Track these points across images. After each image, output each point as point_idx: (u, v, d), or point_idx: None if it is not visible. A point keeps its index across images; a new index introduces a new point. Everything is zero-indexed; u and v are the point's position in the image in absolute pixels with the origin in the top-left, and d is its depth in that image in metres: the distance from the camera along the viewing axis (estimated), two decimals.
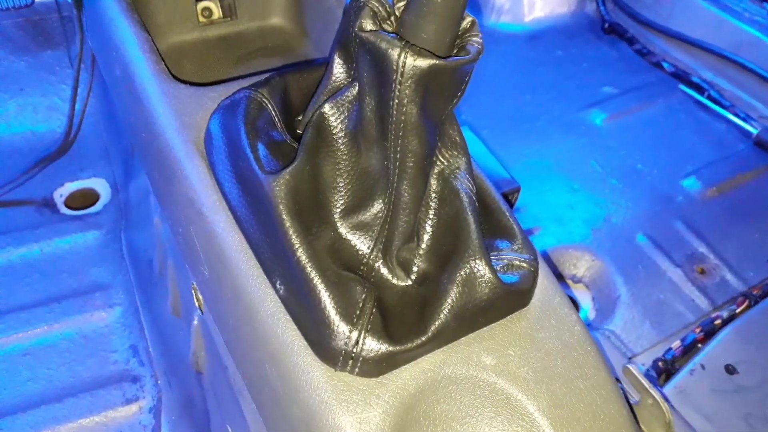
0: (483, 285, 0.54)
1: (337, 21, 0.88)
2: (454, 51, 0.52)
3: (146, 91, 0.72)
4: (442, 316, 0.54)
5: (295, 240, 0.54)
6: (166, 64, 0.75)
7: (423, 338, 0.53)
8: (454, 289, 0.54)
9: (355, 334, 0.52)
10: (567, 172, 1.38)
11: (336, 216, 0.58)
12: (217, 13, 0.96)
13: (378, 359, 0.52)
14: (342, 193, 0.58)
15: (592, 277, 1.22)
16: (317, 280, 0.53)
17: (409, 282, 0.58)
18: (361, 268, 0.57)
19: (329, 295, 0.52)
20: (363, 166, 0.57)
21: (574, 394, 0.57)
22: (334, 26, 0.91)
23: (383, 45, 0.49)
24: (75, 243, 1.19)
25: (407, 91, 0.49)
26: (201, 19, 0.94)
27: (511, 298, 0.57)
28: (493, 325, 0.58)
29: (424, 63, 0.48)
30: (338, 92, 0.58)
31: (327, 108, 0.57)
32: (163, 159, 0.69)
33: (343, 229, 0.58)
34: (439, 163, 0.59)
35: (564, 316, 0.61)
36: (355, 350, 0.51)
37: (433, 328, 0.54)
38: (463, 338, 0.57)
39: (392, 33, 0.51)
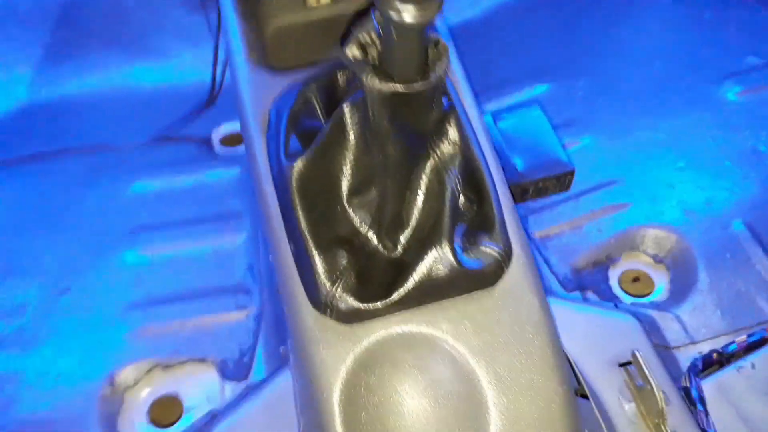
0: (444, 266, 0.65)
1: None
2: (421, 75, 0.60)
3: (236, 75, 0.88)
4: (405, 285, 0.65)
5: (300, 213, 0.68)
6: (268, 48, 0.90)
7: (387, 301, 0.65)
8: (421, 266, 0.65)
9: (332, 290, 0.65)
10: (678, 148, 1.33)
11: (342, 196, 0.70)
12: None
13: (347, 312, 0.65)
14: (348, 179, 0.69)
15: (675, 259, 1.20)
16: (311, 245, 0.67)
17: (394, 255, 0.69)
18: (358, 238, 0.70)
19: (319, 258, 0.66)
20: (366, 159, 0.68)
21: (515, 368, 0.66)
22: None
23: (356, 69, 0.59)
24: (221, 176, 1.44)
25: (376, 108, 0.59)
26: (311, 2, 1.07)
27: (471, 279, 0.66)
28: (458, 297, 0.68)
29: (384, 87, 0.57)
30: (357, 92, 0.70)
31: (345, 106, 0.69)
32: (245, 134, 0.86)
33: (346, 206, 0.70)
34: (434, 158, 0.68)
35: (527, 301, 0.68)
36: (332, 302, 0.65)
37: (396, 295, 0.65)
38: (430, 305, 0.67)
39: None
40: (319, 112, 0.77)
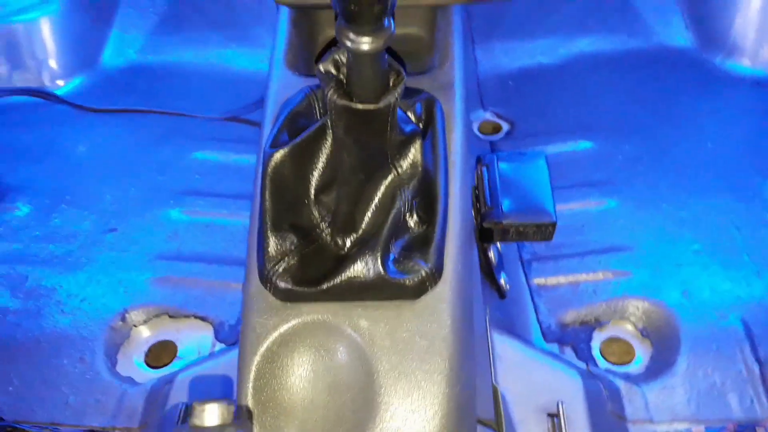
0: (371, 270, 0.72)
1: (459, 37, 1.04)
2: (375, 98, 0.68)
3: (270, 72, 0.99)
4: (335, 279, 0.73)
5: (267, 196, 0.77)
6: (311, 55, 1.00)
7: (316, 288, 0.73)
8: (352, 266, 0.73)
9: (274, 268, 0.74)
10: (699, 230, 1.31)
11: (310, 191, 0.79)
12: None
13: (283, 290, 0.73)
14: (318, 177, 0.78)
15: (661, 336, 1.19)
16: (267, 226, 0.76)
17: (340, 253, 0.77)
18: (316, 231, 0.79)
19: (271, 238, 0.75)
20: (335, 161, 0.77)
21: (412, 377, 0.72)
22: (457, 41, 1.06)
23: (323, 81, 0.68)
24: None
25: (333, 118, 0.68)
26: None
27: (394, 287, 0.73)
28: (383, 302, 0.74)
29: (339, 101, 0.66)
30: None
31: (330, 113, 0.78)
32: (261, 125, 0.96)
33: (312, 200, 0.79)
34: (394, 174, 0.76)
35: (442, 321, 0.74)
36: (272, 278, 0.74)
37: (325, 285, 0.73)
38: (356, 302, 0.75)
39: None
40: (317, 115, 0.86)
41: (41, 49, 1.83)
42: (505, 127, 1.66)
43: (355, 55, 0.62)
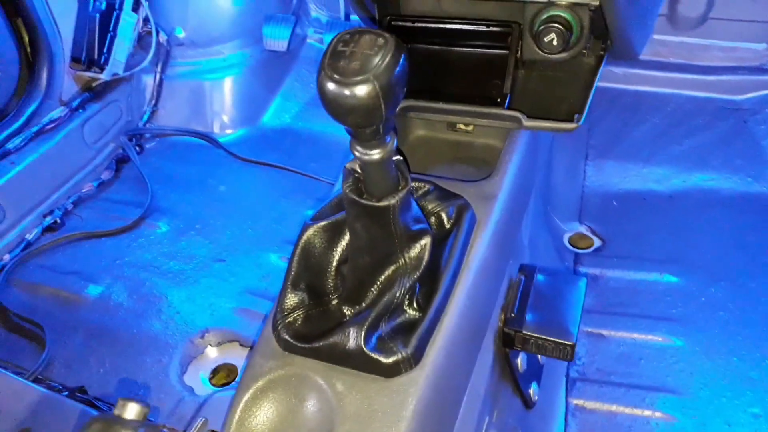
0: (353, 342, 0.80)
1: None
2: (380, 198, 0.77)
3: None
4: (323, 342, 0.81)
5: (294, 259, 0.89)
6: None
7: (306, 345, 0.82)
8: (339, 334, 0.81)
9: (281, 320, 0.85)
10: (765, 394, 1.18)
11: (332, 262, 0.89)
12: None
13: (284, 340, 0.83)
14: (340, 251, 0.88)
15: None
16: (288, 284, 0.87)
17: (344, 320, 0.86)
18: (329, 296, 0.88)
19: (286, 293, 0.86)
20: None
21: None
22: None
23: (344, 176, 0.79)
24: None
25: (346, 206, 0.79)
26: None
27: (370, 363, 0.79)
28: (363, 372, 0.81)
29: (350, 194, 0.76)
30: None
31: None
32: None
33: (332, 270, 0.89)
34: (397, 263, 0.84)
35: (405, 404, 0.79)
36: (278, 328, 0.84)
37: (315, 344, 0.82)
38: (341, 366, 0.82)
39: None
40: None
41: (219, 103, 2.16)
42: (597, 243, 1.64)
43: (362, 162, 0.72)
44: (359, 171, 0.78)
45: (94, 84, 1.97)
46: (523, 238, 1.26)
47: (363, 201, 0.76)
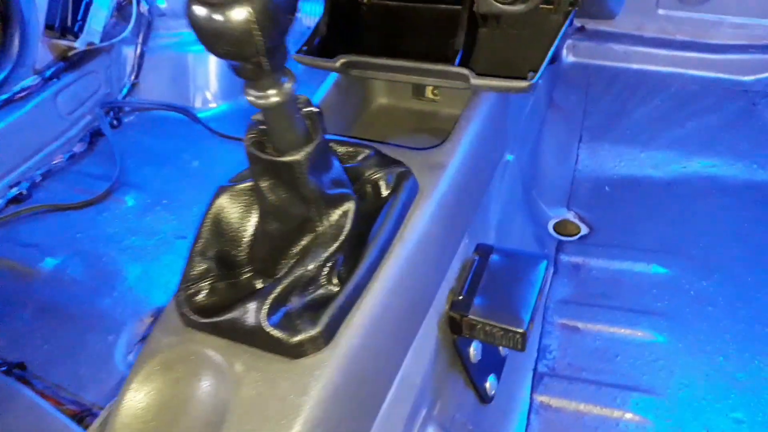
0: (252, 318, 0.71)
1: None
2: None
3: None
4: (220, 317, 0.73)
5: (205, 223, 0.80)
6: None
7: (204, 320, 0.73)
8: (238, 309, 0.72)
9: (182, 292, 0.76)
10: (750, 398, 1.06)
11: (247, 230, 0.81)
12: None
13: (183, 313, 0.75)
14: (255, 220, 0.80)
15: None
16: (194, 252, 0.79)
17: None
18: (239, 269, 0.80)
19: (191, 263, 0.78)
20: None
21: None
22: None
23: (247, 130, 0.70)
24: None
25: (250, 164, 0.70)
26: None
27: (271, 341, 0.70)
28: (268, 352, 0.72)
29: (249, 148, 0.68)
30: None
31: None
32: None
33: (246, 241, 0.80)
34: (311, 231, 0.74)
35: (305, 390, 0.69)
36: (178, 300, 0.76)
37: (216, 319, 0.73)
38: (241, 344, 0.74)
39: None
40: None
41: (203, 77, 2.09)
42: (584, 230, 1.53)
43: (262, 109, 0.64)
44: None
45: (70, 53, 1.91)
46: (489, 217, 1.16)
47: (262, 155, 0.67)
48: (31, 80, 1.82)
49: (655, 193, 1.56)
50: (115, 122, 2.00)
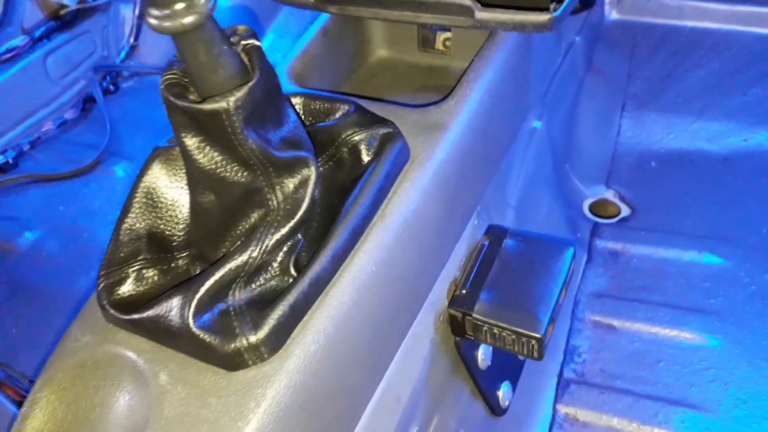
0: (177, 317, 0.55)
1: None
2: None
3: None
4: (144, 314, 0.58)
5: (135, 193, 0.64)
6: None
7: (123, 316, 0.59)
8: (162, 304, 0.57)
9: (103, 280, 0.61)
10: None
11: (184, 205, 0.66)
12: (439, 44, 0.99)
13: (103, 306, 0.60)
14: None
15: None
16: (119, 229, 0.63)
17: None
18: (175, 253, 0.65)
19: (116, 243, 0.63)
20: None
21: None
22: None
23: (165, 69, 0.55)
24: None
25: (168, 115, 0.55)
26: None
27: (201, 347, 0.55)
28: (199, 361, 0.57)
29: (163, 91, 0.52)
30: None
31: None
32: None
33: (184, 217, 0.65)
34: (258, 207, 0.58)
35: (242, 414, 0.54)
36: (98, 290, 0.61)
37: (137, 316, 0.58)
38: (170, 351, 0.59)
39: None
40: None
41: None
42: (625, 211, 1.33)
43: (171, 36, 0.48)
44: None
45: (62, 12, 1.77)
46: (507, 194, 0.98)
47: (178, 101, 0.51)
48: (19, 40, 1.69)
49: (709, 169, 1.35)
50: (111, 87, 1.86)
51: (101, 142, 1.66)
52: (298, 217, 0.57)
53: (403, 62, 1.02)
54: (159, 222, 0.64)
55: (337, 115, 0.71)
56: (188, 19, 0.45)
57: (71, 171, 1.58)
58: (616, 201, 1.36)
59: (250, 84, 0.51)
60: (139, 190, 0.64)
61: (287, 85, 0.85)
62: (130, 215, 0.63)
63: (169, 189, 0.64)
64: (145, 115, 1.77)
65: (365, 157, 0.67)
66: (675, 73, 1.50)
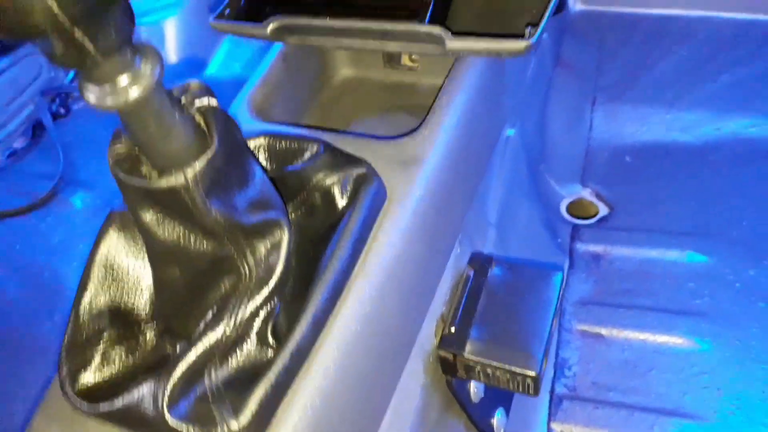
0: (150, 406, 0.52)
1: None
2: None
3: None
4: (115, 403, 0.54)
5: (92, 263, 0.60)
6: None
7: (93, 406, 0.54)
8: (135, 389, 0.53)
9: (65, 365, 0.57)
10: None
11: (145, 272, 0.61)
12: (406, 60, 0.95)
13: (64, 394, 0.56)
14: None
15: None
16: (79, 307, 0.59)
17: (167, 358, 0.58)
18: (143, 326, 0.61)
19: (76, 323, 0.58)
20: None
21: None
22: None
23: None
24: None
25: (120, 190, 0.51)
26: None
27: None
28: None
29: (112, 167, 0.48)
30: None
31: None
32: None
33: (148, 286, 0.61)
34: (242, 272, 0.55)
35: None
36: (61, 377, 0.57)
37: (106, 407, 0.54)
38: None
39: None
40: None
41: (162, 51, 1.86)
42: (603, 211, 1.32)
43: (114, 111, 0.44)
44: None
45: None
46: (487, 212, 0.96)
47: (132, 180, 0.47)
48: None
49: (685, 161, 1.34)
50: (62, 111, 1.78)
51: (55, 171, 1.59)
52: (272, 284, 0.54)
53: (369, 81, 0.98)
54: (120, 295, 0.60)
55: (306, 157, 0.67)
56: (134, 94, 0.41)
57: (25, 206, 1.50)
58: (593, 200, 1.35)
59: (209, 155, 0.47)
60: (95, 263, 0.59)
61: (248, 119, 0.81)
62: (87, 291, 0.59)
63: (129, 258, 0.60)
64: (100, 138, 1.69)
65: (340, 202, 0.64)
66: (645, 63, 1.48)
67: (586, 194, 1.36)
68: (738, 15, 1.47)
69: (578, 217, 1.32)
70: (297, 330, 0.54)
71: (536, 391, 0.71)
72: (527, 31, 0.65)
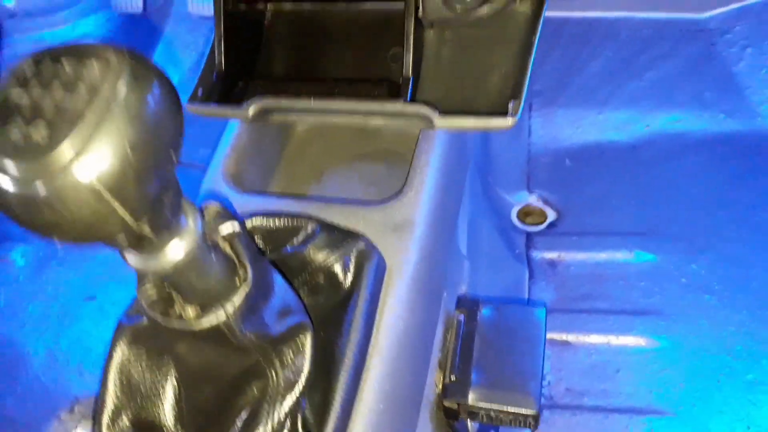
0: None
1: None
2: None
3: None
4: None
5: (109, 377, 0.61)
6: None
7: None
8: None
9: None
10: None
11: (169, 381, 0.62)
12: None
13: None
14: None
15: None
16: (103, 419, 0.60)
17: None
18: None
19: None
20: None
21: None
22: None
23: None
24: None
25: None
26: None
27: None
28: None
29: (147, 311, 0.49)
30: None
31: None
32: None
33: (171, 397, 0.62)
34: (270, 377, 0.57)
35: None
36: None
37: None
38: None
39: None
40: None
41: None
42: (551, 216, 1.40)
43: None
44: None
45: None
46: (459, 247, 1.01)
47: (171, 323, 0.48)
48: None
49: (621, 159, 1.44)
50: None
51: None
52: (301, 385, 0.56)
53: (334, 128, 0.99)
54: (141, 406, 0.60)
55: (302, 237, 0.69)
56: (178, 257, 0.42)
57: None
58: (541, 205, 1.43)
59: (247, 290, 0.48)
60: (110, 376, 0.60)
61: (227, 189, 0.82)
62: (106, 405, 0.59)
63: (144, 368, 0.60)
64: None
65: (344, 280, 0.66)
66: (574, 66, 1.57)
67: (533, 200, 1.44)
68: (654, 14, 1.57)
69: (529, 224, 1.40)
70: (330, 421, 0.57)
71: (536, 426, 0.78)
72: (510, 105, 0.69)
